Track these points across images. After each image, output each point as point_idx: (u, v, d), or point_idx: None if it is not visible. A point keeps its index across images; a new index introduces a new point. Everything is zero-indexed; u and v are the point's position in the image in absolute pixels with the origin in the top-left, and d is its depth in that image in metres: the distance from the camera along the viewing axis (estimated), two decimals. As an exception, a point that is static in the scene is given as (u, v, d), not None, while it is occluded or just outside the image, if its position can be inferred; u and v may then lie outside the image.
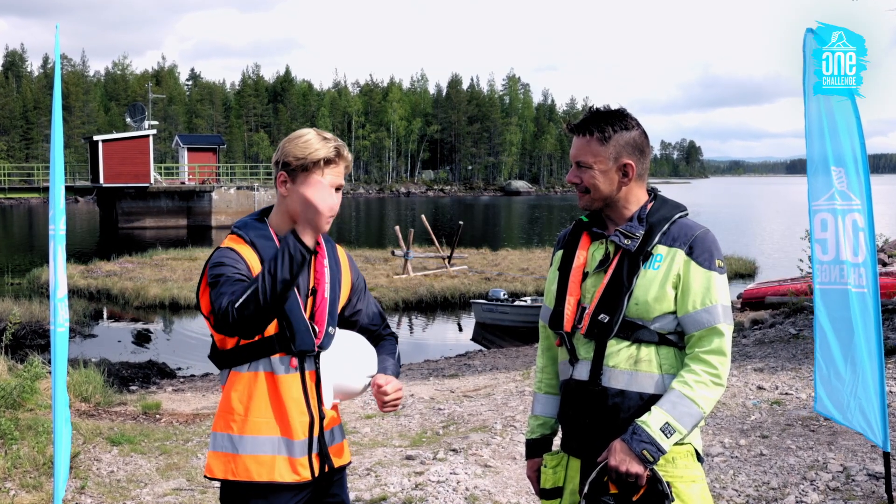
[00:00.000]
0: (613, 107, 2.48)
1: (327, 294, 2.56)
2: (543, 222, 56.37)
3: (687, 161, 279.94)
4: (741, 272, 25.35)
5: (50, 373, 7.85)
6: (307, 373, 2.52)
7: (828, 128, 4.53)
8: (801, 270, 15.11)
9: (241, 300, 2.29)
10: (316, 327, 2.52)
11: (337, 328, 2.61)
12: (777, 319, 12.62)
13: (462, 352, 15.63)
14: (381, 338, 2.76)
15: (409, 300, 20.51)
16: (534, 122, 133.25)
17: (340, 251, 2.70)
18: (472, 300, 19.48)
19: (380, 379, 2.55)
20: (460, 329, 19.03)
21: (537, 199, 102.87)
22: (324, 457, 2.55)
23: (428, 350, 16.13)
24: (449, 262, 23.91)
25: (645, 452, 2.27)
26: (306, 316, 2.51)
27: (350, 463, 2.72)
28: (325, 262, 2.60)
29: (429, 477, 5.57)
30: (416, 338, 18.26)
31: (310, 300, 2.54)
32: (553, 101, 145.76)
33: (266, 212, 2.60)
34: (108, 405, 8.39)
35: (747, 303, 16.93)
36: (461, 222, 25.24)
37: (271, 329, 2.47)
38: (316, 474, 2.52)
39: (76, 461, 5.84)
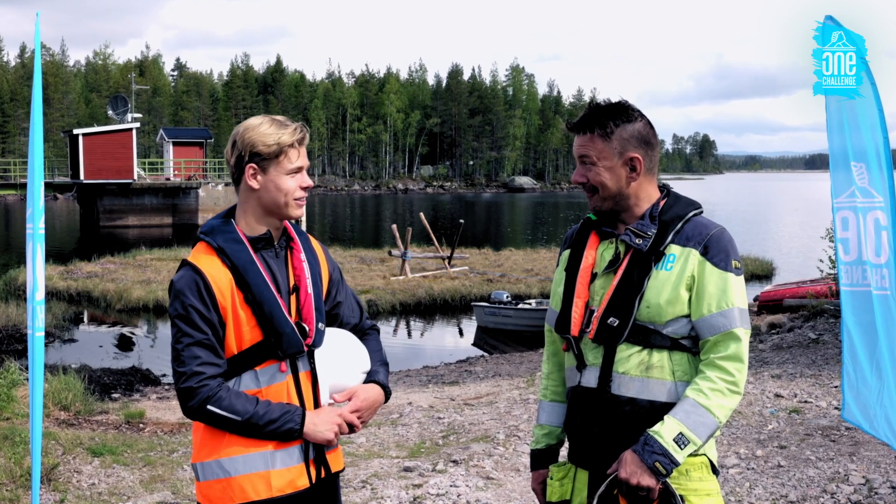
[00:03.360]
0: (615, 99, 2.48)
1: (310, 289, 2.56)
2: (549, 221, 56.39)
3: (700, 156, 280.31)
4: (758, 273, 25.40)
5: (27, 380, 7.86)
6: (301, 374, 2.52)
7: (847, 121, 4.55)
8: (821, 272, 15.10)
9: (215, 411, 2.40)
10: (305, 325, 2.52)
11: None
12: (796, 323, 12.63)
13: (463, 357, 15.65)
14: (363, 332, 2.76)
15: (406, 303, 20.52)
16: (539, 115, 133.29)
17: (314, 242, 2.69)
18: (473, 303, 19.50)
19: (336, 399, 2.56)
20: (461, 333, 19.05)
21: (542, 195, 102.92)
22: (321, 461, 2.55)
23: (427, 356, 16.14)
24: (449, 263, 23.92)
25: (657, 464, 2.27)
26: (293, 315, 2.51)
27: (344, 469, 2.72)
28: (303, 256, 2.59)
29: (427, 490, 5.57)
30: (415, 343, 18.27)
31: (293, 298, 2.53)
32: (559, 92, 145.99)
33: (232, 212, 2.58)
34: (88, 414, 8.40)
35: (764, 306, 16.94)
36: (462, 221, 25.25)
37: (253, 338, 2.45)
38: (314, 480, 2.52)
39: (55, 473, 5.84)
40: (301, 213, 2.55)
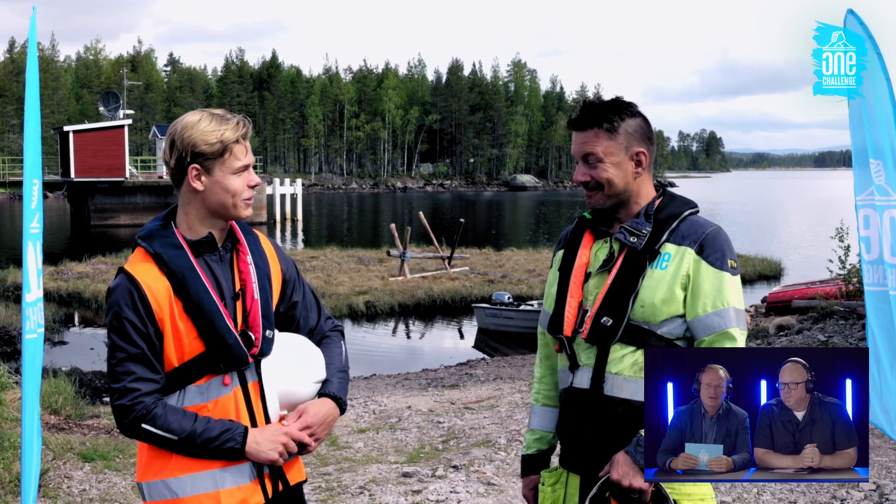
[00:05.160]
0: (610, 97, 2.50)
1: (257, 295, 2.45)
2: (551, 220, 56.40)
3: (707, 153, 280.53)
4: (766, 274, 25.39)
5: (17, 383, 7.87)
6: (250, 384, 2.43)
7: (867, 117, 4.55)
8: (831, 272, 15.08)
9: (150, 430, 2.33)
10: (251, 334, 2.42)
11: (275, 330, 2.53)
12: (805, 325, 12.62)
13: (463, 360, 15.65)
14: (322, 336, 2.65)
15: (405, 304, 20.52)
16: (541, 112, 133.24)
17: (264, 240, 2.58)
18: (474, 304, 19.49)
19: (287, 421, 2.46)
20: (461, 335, 19.05)
21: (545, 194, 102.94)
22: (277, 474, 2.47)
23: (426, 358, 16.15)
24: (449, 263, 23.93)
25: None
26: (238, 323, 2.42)
27: (306, 480, 2.63)
28: (249, 258, 2.48)
29: (427, 496, 5.58)
30: (414, 345, 18.28)
31: (238, 305, 2.44)
32: (562, 88, 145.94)
33: (173, 213, 2.48)
34: (79, 418, 8.40)
35: (772, 307, 16.93)
36: (462, 220, 25.24)
37: (195, 349, 2.37)
38: (270, 496, 2.45)
39: (45, 479, 5.85)
40: (250, 212, 2.46)
